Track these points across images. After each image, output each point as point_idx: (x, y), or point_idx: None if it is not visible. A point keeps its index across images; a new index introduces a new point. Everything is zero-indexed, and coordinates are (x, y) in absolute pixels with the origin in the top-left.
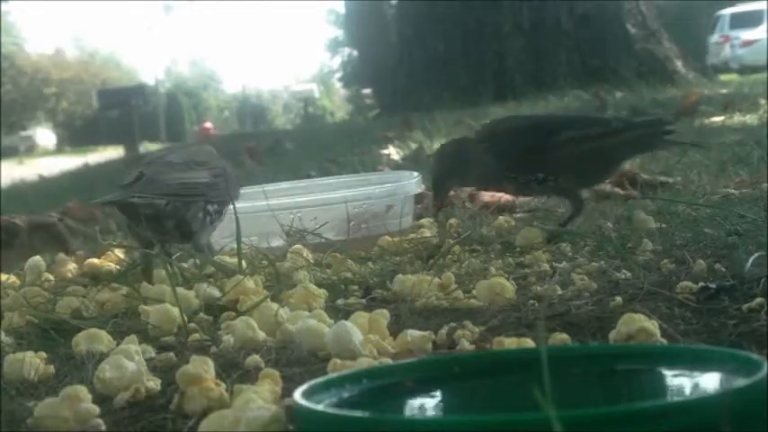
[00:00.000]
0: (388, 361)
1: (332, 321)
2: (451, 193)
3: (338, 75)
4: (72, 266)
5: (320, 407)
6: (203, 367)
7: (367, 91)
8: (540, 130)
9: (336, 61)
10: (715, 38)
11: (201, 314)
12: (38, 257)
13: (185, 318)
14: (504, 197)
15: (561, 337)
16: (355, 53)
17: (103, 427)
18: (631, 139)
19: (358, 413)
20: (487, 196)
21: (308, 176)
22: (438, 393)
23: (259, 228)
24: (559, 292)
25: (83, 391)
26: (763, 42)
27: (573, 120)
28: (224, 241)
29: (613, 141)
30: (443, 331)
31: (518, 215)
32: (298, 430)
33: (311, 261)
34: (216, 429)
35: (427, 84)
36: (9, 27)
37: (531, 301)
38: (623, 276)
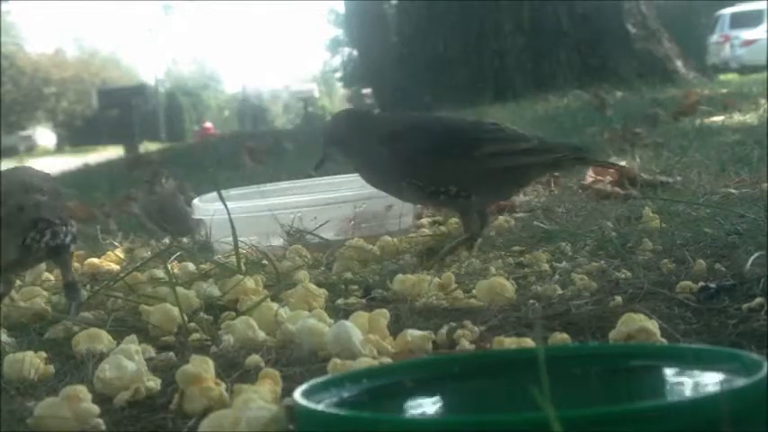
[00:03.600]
0: (388, 361)
1: (332, 321)
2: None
3: (338, 74)
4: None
5: (320, 407)
6: (203, 367)
7: (367, 91)
8: (458, 140)
9: (336, 61)
10: (715, 38)
11: (201, 314)
12: None
13: (185, 318)
14: None
15: (561, 337)
16: (355, 53)
17: (103, 427)
18: (549, 161)
19: (358, 413)
20: None
21: (309, 176)
22: (438, 393)
23: (259, 228)
24: (559, 291)
25: (83, 390)
26: (763, 42)
27: (493, 132)
28: (224, 241)
29: (533, 161)
30: (443, 331)
31: (518, 215)
32: (298, 430)
33: (311, 261)
34: (216, 429)
35: (427, 83)
36: (9, 27)
37: (531, 301)
38: (623, 276)
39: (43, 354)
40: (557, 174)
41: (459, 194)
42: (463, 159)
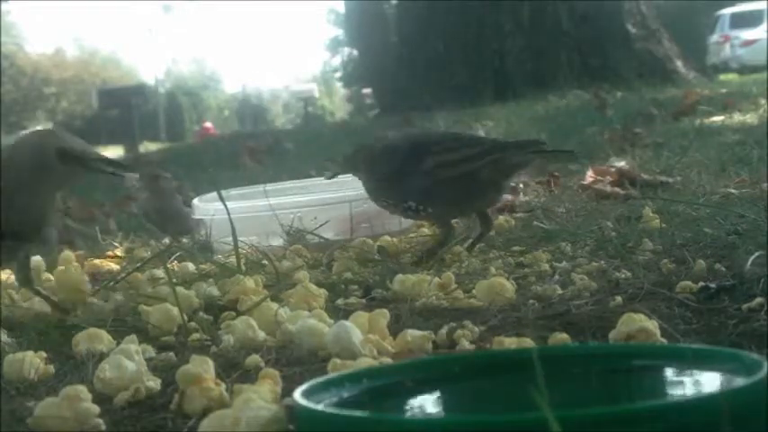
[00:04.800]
0: (388, 361)
1: (332, 321)
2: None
3: (338, 74)
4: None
5: (320, 407)
6: (203, 367)
7: (367, 91)
8: (406, 155)
9: (336, 61)
10: (715, 38)
11: (201, 314)
12: (38, 257)
13: (185, 317)
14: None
15: (561, 337)
16: (355, 53)
17: (103, 427)
18: (502, 160)
19: (358, 413)
20: None
21: (308, 176)
22: (438, 393)
23: (259, 228)
24: (559, 291)
25: (83, 390)
26: (763, 42)
27: (441, 142)
28: (224, 241)
29: (482, 164)
30: (443, 331)
31: (518, 215)
32: (298, 430)
33: (311, 261)
34: (216, 429)
35: (427, 83)
36: (9, 27)
37: (531, 301)
38: (623, 276)
39: (43, 354)
40: (556, 173)
41: (418, 210)
42: (410, 175)
